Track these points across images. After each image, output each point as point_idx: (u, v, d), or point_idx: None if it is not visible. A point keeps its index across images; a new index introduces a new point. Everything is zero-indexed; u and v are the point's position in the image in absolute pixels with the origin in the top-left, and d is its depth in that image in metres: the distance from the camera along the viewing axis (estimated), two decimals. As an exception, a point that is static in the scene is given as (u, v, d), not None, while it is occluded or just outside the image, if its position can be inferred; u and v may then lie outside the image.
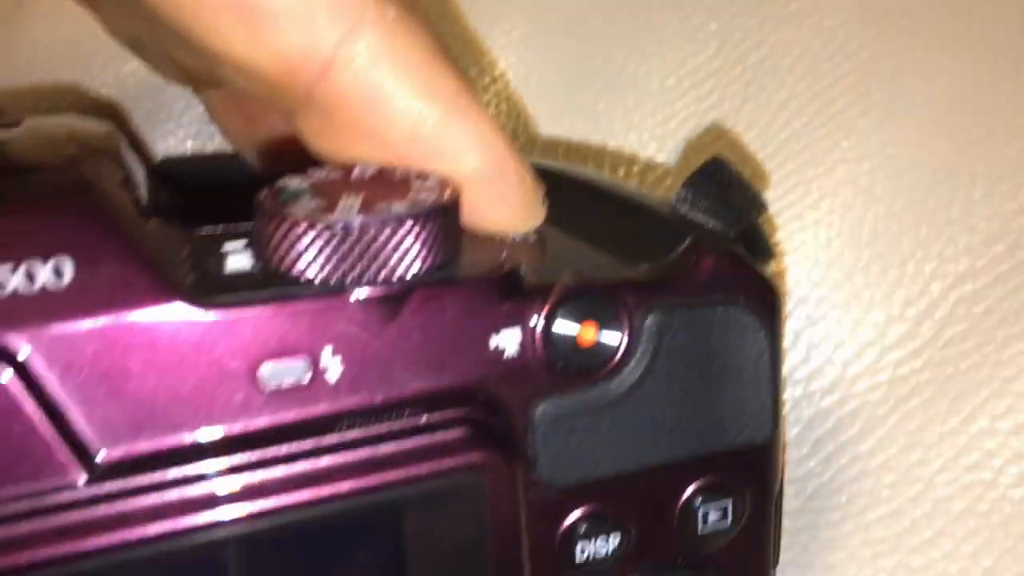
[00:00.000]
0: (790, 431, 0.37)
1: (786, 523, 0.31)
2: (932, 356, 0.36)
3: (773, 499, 0.27)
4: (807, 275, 0.37)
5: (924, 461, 0.35)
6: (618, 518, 0.25)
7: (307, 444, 0.22)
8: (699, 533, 0.26)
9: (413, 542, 0.23)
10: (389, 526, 0.23)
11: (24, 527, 0.20)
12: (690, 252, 0.26)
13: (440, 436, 0.23)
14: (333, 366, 0.22)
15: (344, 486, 0.22)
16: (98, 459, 0.21)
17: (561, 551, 0.25)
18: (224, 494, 0.21)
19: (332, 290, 0.22)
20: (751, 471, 0.26)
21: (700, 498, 0.26)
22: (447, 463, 0.22)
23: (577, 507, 0.25)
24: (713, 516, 0.26)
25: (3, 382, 0.20)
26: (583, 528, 0.25)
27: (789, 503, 0.34)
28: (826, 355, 0.36)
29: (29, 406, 0.20)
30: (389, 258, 0.22)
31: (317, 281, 0.22)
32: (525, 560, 0.24)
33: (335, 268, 0.22)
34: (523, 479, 0.24)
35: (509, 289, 0.23)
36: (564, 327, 0.24)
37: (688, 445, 0.25)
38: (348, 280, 0.22)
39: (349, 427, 0.22)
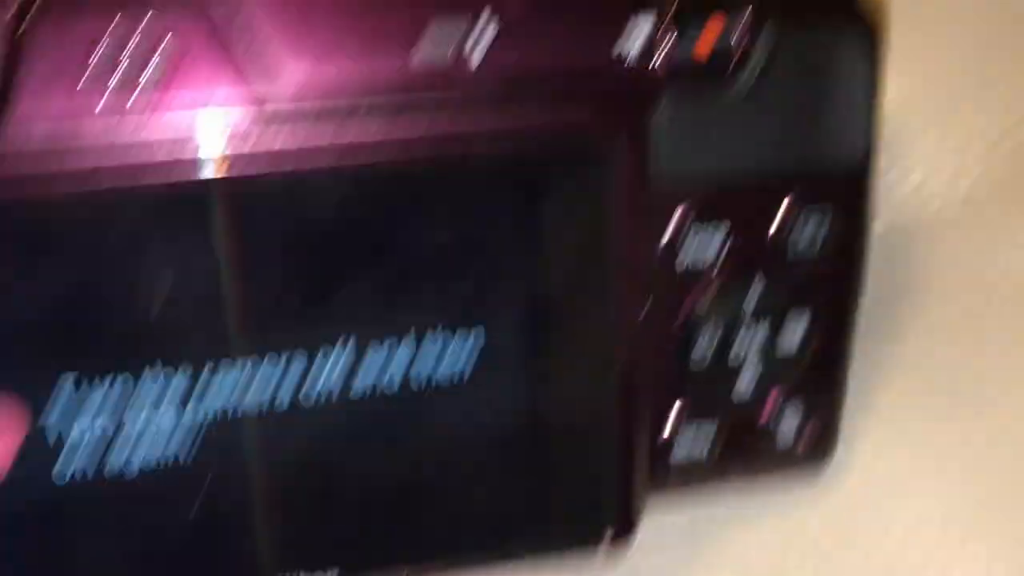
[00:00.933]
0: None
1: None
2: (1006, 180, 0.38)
3: (865, 225, 0.29)
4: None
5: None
6: (720, 221, 0.27)
7: (452, 98, 0.24)
8: (794, 251, 0.28)
9: (542, 213, 0.25)
10: (519, 194, 0.25)
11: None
12: None
13: (570, 113, 0.25)
14: (488, 28, 0.24)
15: (483, 146, 0.24)
16: (280, 81, 0.23)
17: (666, 248, 0.27)
18: (379, 132, 0.23)
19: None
20: (846, 194, 0.28)
21: (796, 215, 0.28)
22: (575, 140, 0.24)
23: (688, 206, 0.27)
24: (807, 234, 0.28)
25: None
26: (686, 227, 0.27)
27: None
28: (901, 174, 0.38)
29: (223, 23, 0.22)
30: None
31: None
32: (636, 251, 0.26)
33: None
34: (641, 170, 0.26)
35: None
36: (688, 28, 0.26)
37: (791, 159, 0.27)
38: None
39: (492, 94, 0.24)
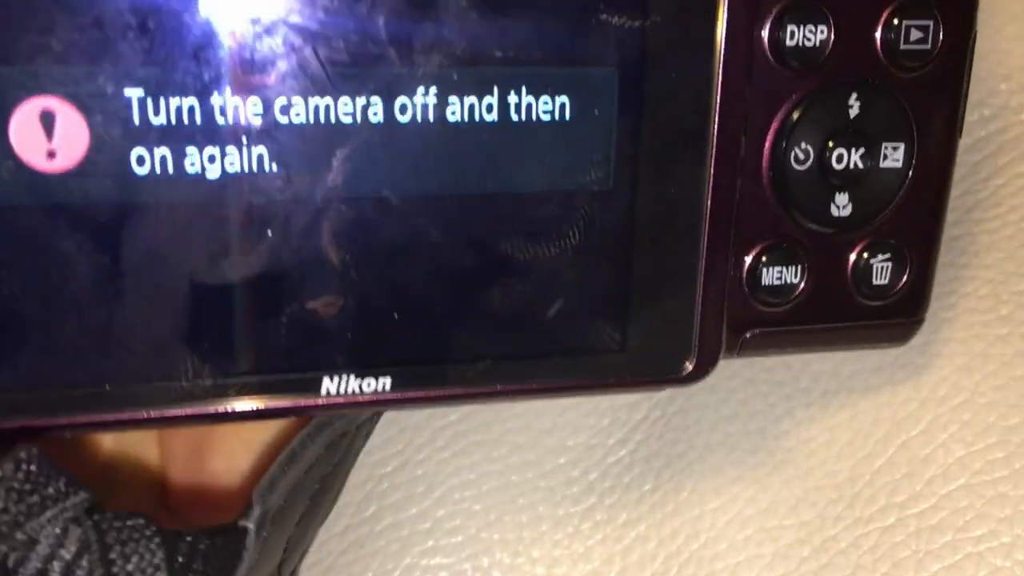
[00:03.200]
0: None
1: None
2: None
3: (972, 32, 0.27)
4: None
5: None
6: (825, 7, 0.26)
7: None
8: (900, 49, 0.27)
9: None
10: None
11: None
12: None
13: None
14: None
15: None
16: None
17: (771, 33, 0.26)
18: None
19: None
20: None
21: (902, 13, 0.26)
22: None
23: None
24: (915, 34, 0.27)
25: None
26: (794, 11, 0.26)
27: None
28: (991, 86, 0.37)
29: None
30: None
31: None
32: (743, 33, 0.25)
33: None
34: None
35: None
36: None
37: None
38: None
39: None
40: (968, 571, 0.32)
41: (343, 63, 0.22)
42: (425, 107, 0.23)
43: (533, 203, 0.24)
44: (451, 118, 0.23)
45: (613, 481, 0.34)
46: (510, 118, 0.23)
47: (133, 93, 0.21)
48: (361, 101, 0.22)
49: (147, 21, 0.21)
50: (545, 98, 0.23)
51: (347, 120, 0.22)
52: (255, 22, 0.22)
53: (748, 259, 0.27)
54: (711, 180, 0.25)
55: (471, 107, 0.23)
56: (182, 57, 0.21)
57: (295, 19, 0.22)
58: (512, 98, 0.23)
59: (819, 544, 0.33)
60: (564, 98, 0.24)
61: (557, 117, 0.24)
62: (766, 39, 0.26)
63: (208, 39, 0.21)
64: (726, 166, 0.25)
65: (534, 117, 0.23)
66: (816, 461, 0.34)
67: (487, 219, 0.24)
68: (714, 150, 0.25)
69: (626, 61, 0.24)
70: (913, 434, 0.33)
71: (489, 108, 0.23)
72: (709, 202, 0.25)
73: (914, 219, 0.28)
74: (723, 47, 0.24)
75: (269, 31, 0.22)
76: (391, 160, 0.23)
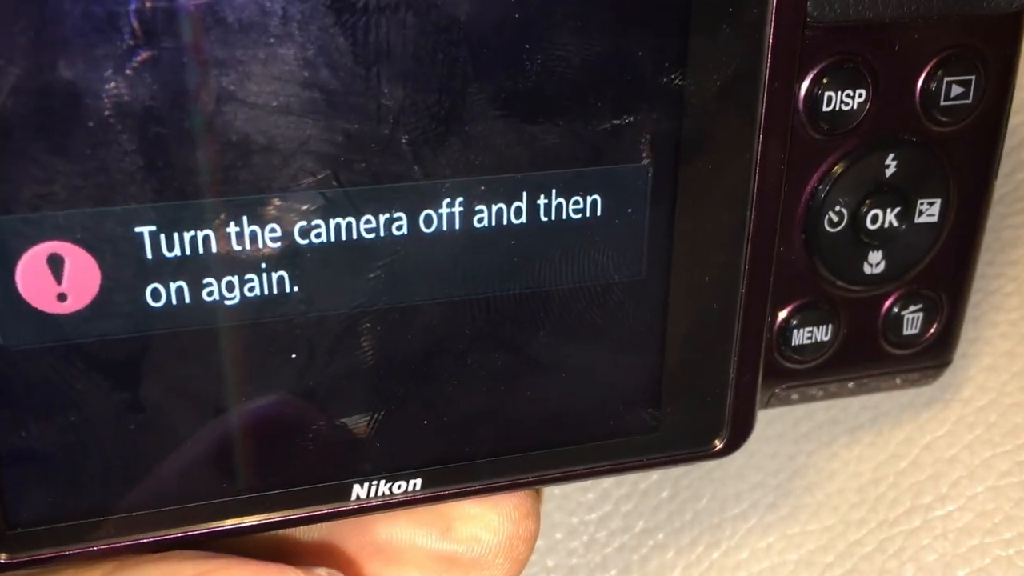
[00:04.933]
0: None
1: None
2: None
3: (1013, 79, 0.26)
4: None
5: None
6: (864, 69, 0.25)
7: None
8: (940, 105, 0.26)
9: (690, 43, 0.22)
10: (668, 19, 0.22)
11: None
12: None
13: None
14: None
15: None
16: None
17: (807, 98, 0.25)
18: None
19: None
20: (997, 42, 0.26)
21: (944, 69, 0.25)
22: None
23: (830, 53, 0.24)
24: (956, 89, 0.26)
25: None
26: (833, 76, 0.25)
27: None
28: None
29: None
30: None
31: None
32: (783, 101, 0.24)
33: None
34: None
35: None
36: None
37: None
38: None
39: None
40: (996, 575, 0.32)
41: (365, 183, 0.21)
42: (451, 216, 0.22)
43: (563, 300, 0.23)
44: (478, 225, 0.22)
45: (629, 488, 0.34)
46: (539, 220, 0.22)
47: (144, 230, 0.20)
48: (384, 217, 0.21)
49: (154, 159, 0.20)
50: (576, 198, 0.22)
51: (370, 236, 0.21)
52: (271, 148, 0.20)
53: (778, 319, 0.27)
54: (746, 262, 0.24)
55: (499, 212, 0.22)
56: (194, 190, 0.20)
57: (314, 144, 0.20)
58: (541, 200, 0.22)
59: (843, 549, 0.33)
60: (595, 196, 0.22)
61: (588, 215, 0.23)
62: (802, 105, 0.24)
63: (221, 170, 0.20)
64: (762, 246, 0.24)
65: (564, 217, 0.22)
66: (838, 464, 0.34)
67: (516, 319, 0.23)
68: (751, 233, 0.24)
69: (659, 154, 0.23)
70: (938, 435, 0.33)
71: (518, 212, 0.22)
72: (744, 283, 0.24)
73: (948, 267, 0.27)
74: (762, 130, 0.23)
75: (287, 158, 0.20)
76: (416, 270, 0.22)
